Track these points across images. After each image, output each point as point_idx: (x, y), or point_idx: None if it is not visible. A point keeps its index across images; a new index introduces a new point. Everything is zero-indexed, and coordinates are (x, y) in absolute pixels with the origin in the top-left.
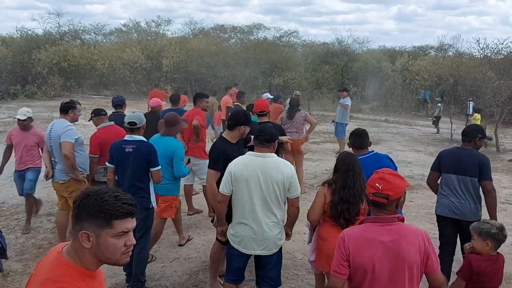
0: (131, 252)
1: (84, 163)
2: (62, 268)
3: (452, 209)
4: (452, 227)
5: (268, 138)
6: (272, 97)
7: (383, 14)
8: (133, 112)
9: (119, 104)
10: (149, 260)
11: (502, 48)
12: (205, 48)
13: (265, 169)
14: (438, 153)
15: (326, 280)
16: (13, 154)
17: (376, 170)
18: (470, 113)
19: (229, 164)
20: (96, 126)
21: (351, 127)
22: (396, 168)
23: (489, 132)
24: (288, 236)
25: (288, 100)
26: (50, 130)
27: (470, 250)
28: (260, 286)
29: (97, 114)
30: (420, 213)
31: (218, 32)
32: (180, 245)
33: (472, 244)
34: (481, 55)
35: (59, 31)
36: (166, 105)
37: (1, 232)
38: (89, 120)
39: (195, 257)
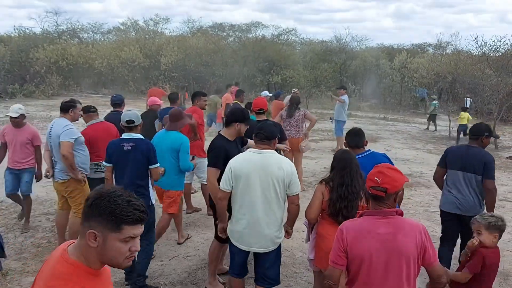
0: (134, 257)
1: (85, 163)
2: (66, 267)
3: (456, 205)
4: (455, 223)
5: (268, 135)
6: (270, 95)
7: (381, 12)
8: (129, 110)
9: (117, 103)
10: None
11: (500, 46)
12: (203, 46)
13: (265, 166)
14: (436, 150)
15: None
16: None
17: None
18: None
19: (230, 161)
20: (86, 123)
21: (349, 125)
22: None
23: None
24: (288, 234)
25: (287, 98)
26: (50, 129)
27: (478, 245)
28: (258, 284)
29: (87, 111)
30: (418, 210)
31: (216, 30)
32: (179, 243)
33: (480, 238)
34: (479, 53)
35: (57, 29)
36: (164, 104)
37: None
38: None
39: (194, 255)
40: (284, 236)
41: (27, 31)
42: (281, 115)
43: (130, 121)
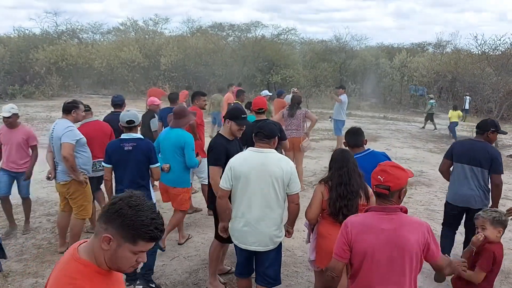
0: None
1: (86, 164)
2: (76, 266)
3: (461, 198)
4: (459, 214)
5: (268, 134)
6: (270, 94)
7: (381, 11)
8: (128, 111)
9: (118, 103)
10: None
11: (500, 44)
12: (203, 46)
13: (265, 165)
14: (436, 149)
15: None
16: None
17: (372, 168)
18: (467, 108)
19: (230, 159)
20: (80, 121)
21: (349, 124)
22: None
23: None
24: (289, 233)
25: (287, 97)
26: (52, 131)
27: (482, 240)
28: (258, 283)
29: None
30: (419, 209)
31: (216, 30)
32: (179, 244)
33: (485, 234)
34: (479, 51)
35: (57, 30)
36: (165, 104)
37: None
38: None
39: (195, 255)
40: (285, 235)
41: (27, 31)
42: (282, 114)
43: (130, 121)
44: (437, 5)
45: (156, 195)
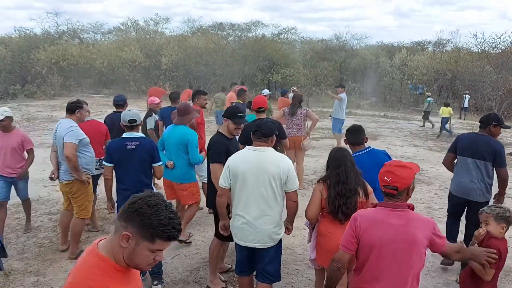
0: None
1: (89, 164)
2: (95, 261)
3: (463, 190)
4: (461, 206)
5: (265, 132)
6: (270, 93)
7: (381, 10)
8: (129, 110)
9: (120, 103)
10: None
11: (500, 42)
12: (204, 46)
13: (262, 163)
14: (436, 147)
15: (326, 276)
16: None
17: (372, 166)
18: (466, 106)
19: (228, 158)
20: (84, 121)
21: (350, 123)
22: None
23: None
24: (288, 230)
25: (291, 96)
26: (56, 130)
27: (484, 234)
28: (258, 280)
29: None
30: (419, 207)
31: (216, 29)
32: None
33: (488, 229)
34: (479, 50)
35: (58, 30)
36: (165, 103)
37: None
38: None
39: (196, 253)
40: (285, 232)
41: (28, 32)
42: (284, 112)
43: (132, 120)
44: (437, 3)
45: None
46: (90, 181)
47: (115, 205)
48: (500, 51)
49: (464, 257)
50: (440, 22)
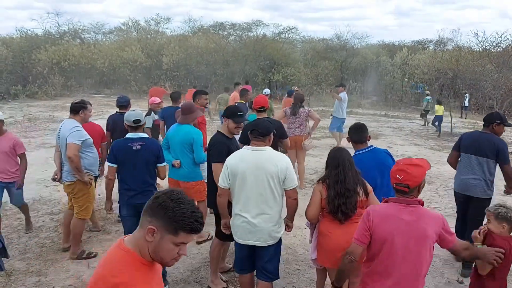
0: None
1: (92, 165)
2: (121, 254)
3: (464, 186)
4: (465, 203)
5: (262, 131)
6: (270, 92)
7: (381, 9)
8: (133, 110)
9: (124, 104)
10: None
11: (501, 41)
12: (205, 45)
13: (260, 162)
14: (437, 146)
15: (327, 275)
16: None
17: (374, 165)
18: (466, 105)
19: (227, 158)
20: (87, 121)
21: (350, 122)
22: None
23: None
24: (288, 227)
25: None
26: (59, 131)
27: (485, 231)
28: (258, 277)
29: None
30: None
31: (217, 29)
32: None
33: (488, 226)
34: (480, 48)
35: (59, 30)
36: (167, 103)
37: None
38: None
39: (197, 253)
40: (285, 230)
41: (29, 32)
42: (285, 112)
43: (137, 121)
44: (438, 2)
45: None
46: (93, 182)
47: (113, 205)
48: (501, 49)
49: (472, 255)
50: (440, 21)
